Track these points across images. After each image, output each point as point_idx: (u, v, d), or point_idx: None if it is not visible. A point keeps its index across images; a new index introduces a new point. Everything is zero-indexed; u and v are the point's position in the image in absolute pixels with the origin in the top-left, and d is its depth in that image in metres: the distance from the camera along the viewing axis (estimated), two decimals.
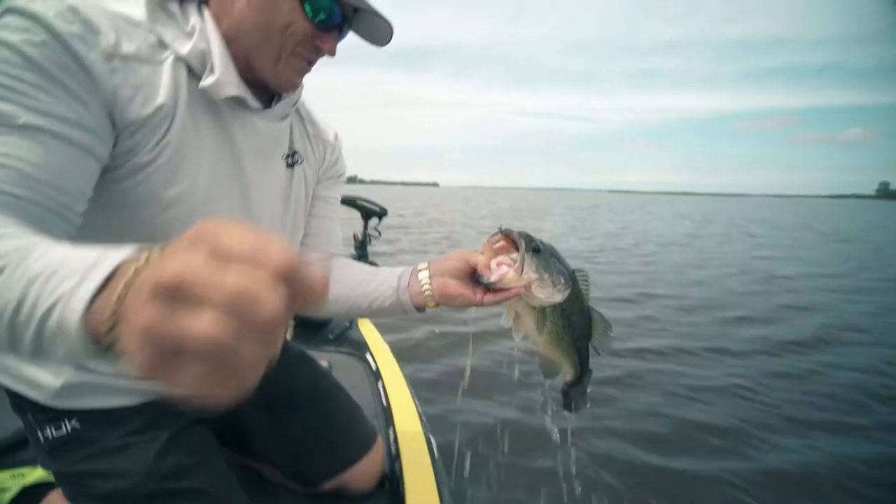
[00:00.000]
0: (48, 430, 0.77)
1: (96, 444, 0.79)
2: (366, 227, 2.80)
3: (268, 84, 0.75)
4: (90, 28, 0.54)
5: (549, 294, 0.75)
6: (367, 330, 2.28)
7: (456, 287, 0.79)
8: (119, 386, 0.79)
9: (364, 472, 1.12)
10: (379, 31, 0.76)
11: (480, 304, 0.77)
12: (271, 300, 0.24)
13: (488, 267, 0.76)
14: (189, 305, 0.23)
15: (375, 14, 0.72)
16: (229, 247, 0.25)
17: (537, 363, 0.89)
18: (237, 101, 0.72)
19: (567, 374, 0.90)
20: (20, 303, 0.35)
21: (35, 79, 0.50)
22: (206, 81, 0.65)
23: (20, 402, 0.78)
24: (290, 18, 0.67)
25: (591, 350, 0.88)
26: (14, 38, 0.49)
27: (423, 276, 0.84)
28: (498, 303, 0.77)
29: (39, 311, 0.34)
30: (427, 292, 0.83)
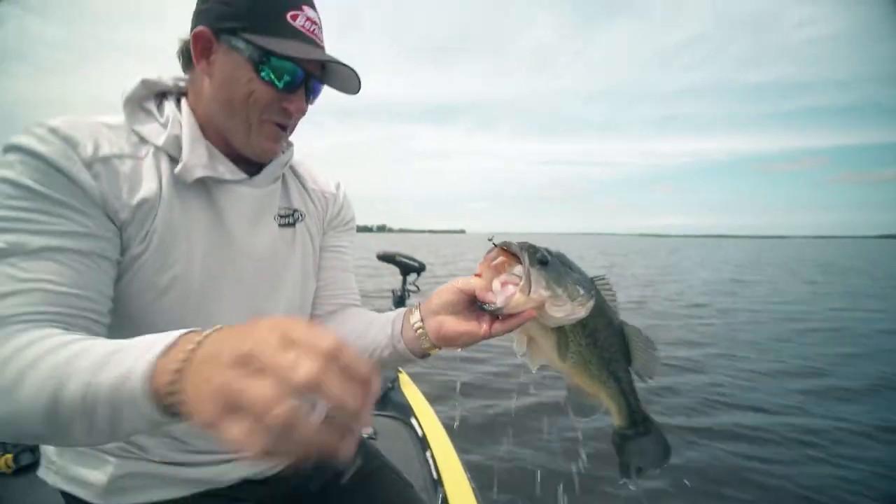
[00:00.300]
0: None
1: None
2: (404, 283, 2.81)
3: (247, 156, 0.77)
4: (69, 142, 0.60)
5: (569, 311, 0.63)
6: (411, 392, 2.22)
7: (454, 325, 0.67)
8: (166, 475, 0.78)
9: None
10: (348, 80, 0.79)
11: (489, 337, 0.66)
12: (332, 383, 0.31)
13: (489, 290, 0.65)
14: (257, 375, 0.31)
15: (339, 64, 0.74)
16: (291, 334, 0.33)
17: (566, 398, 0.75)
18: (220, 175, 0.74)
19: (611, 412, 0.73)
20: (93, 375, 0.42)
21: (36, 205, 0.56)
22: (177, 168, 0.69)
23: (73, 503, 0.77)
24: (250, 88, 0.70)
25: (633, 376, 0.72)
26: (8, 173, 0.55)
27: (415, 318, 0.73)
28: (509, 331, 0.66)
29: (109, 380, 0.41)
30: (422, 337, 0.72)
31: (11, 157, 0.57)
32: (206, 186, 0.74)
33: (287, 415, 0.30)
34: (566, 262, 0.67)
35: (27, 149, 0.57)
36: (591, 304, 0.64)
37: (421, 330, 0.72)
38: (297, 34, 0.71)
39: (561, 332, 0.67)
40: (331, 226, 0.97)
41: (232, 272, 0.78)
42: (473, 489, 1.42)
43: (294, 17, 0.71)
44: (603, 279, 0.71)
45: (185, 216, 0.71)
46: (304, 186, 0.93)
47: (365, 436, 1.75)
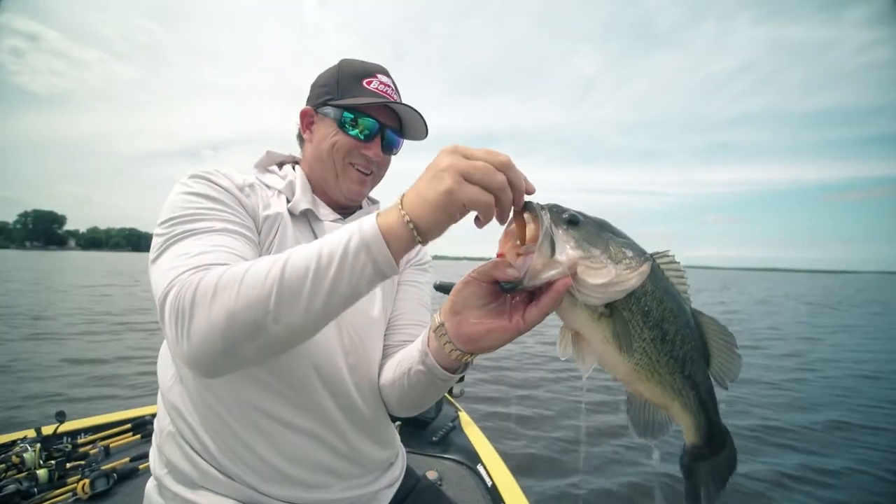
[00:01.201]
0: None
1: None
2: None
3: (339, 201, 0.95)
4: (226, 175, 0.82)
5: (613, 277, 0.49)
6: (473, 433, 2.10)
7: (478, 321, 0.59)
8: None
9: None
10: (417, 127, 0.94)
11: (524, 329, 0.56)
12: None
13: (509, 265, 0.54)
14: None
15: (405, 106, 0.89)
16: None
17: (626, 413, 0.59)
18: (319, 215, 0.92)
19: (684, 429, 0.57)
20: (318, 256, 0.54)
21: (214, 205, 0.75)
22: (290, 203, 0.88)
23: None
24: (334, 140, 0.89)
25: (711, 381, 0.57)
26: (194, 187, 0.76)
27: (437, 323, 0.66)
28: (546, 313, 0.54)
29: (338, 248, 0.54)
30: (446, 344, 0.64)
31: (191, 180, 0.77)
32: (309, 221, 0.91)
33: (508, 170, 0.52)
34: (606, 225, 0.54)
35: (202, 175, 0.78)
36: (644, 268, 0.50)
37: (444, 335, 0.64)
38: (371, 95, 0.88)
39: (616, 321, 0.52)
40: (409, 264, 1.05)
41: None
42: None
43: (369, 83, 0.89)
44: (667, 255, 0.56)
45: (295, 239, 0.86)
46: None
47: (431, 479, 1.65)
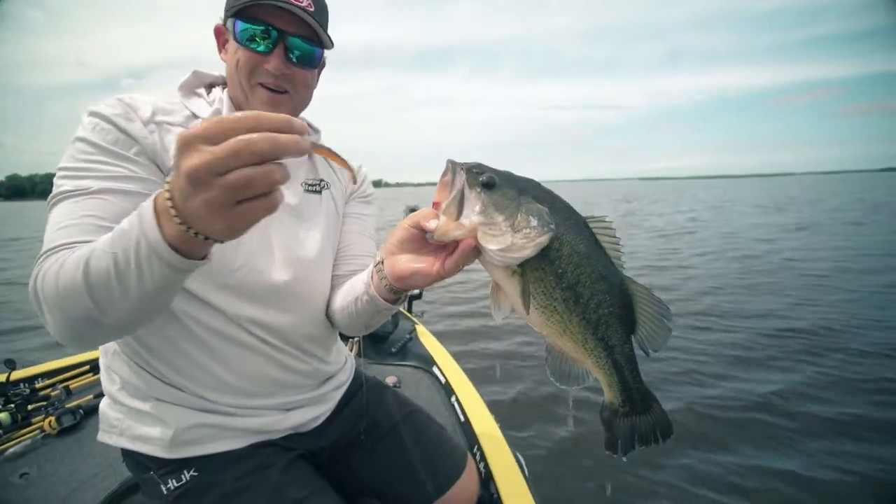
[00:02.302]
0: (170, 482, 0.82)
1: (215, 488, 0.82)
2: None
3: None
4: (131, 107, 0.76)
5: (507, 244, 0.52)
6: (429, 341, 2.27)
7: (406, 263, 0.65)
8: (226, 425, 0.84)
9: (462, 492, 1.09)
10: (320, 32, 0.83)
11: (444, 275, 0.61)
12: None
13: (435, 217, 0.58)
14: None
15: (318, 15, 0.80)
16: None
17: (545, 359, 0.63)
18: None
19: (602, 385, 0.61)
20: (114, 258, 0.52)
21: (100, 157, 0.71)
22: None
23: (140, 460, 0.84)
24: (236, 57, 0.81)
25: (633, 347, 0.60)
26: (86, 132, 0.73)
27: (377, 259, 0.73)
28: (458, 267, 0.59)
29: (131, 252, 0.51)
30: (383, 279, 0.71)
31: (88, 119, 0.73)
32: None
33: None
34: (527, 188, 0.55)
35: (99, 114, 0.73)
36: (542, 239, 0.52)
37: (381, 271, 0.71)
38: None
39: (523, 276, 0.55)
40: (353, 197, 1.06)
41: (265, 222, 0.82)
42: (500, 428, 1.47)
43: None
44: (602, 220, 0.58)
45: None
46: (329, 164, 1.01)
47: (391, 384, 1.81)
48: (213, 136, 0.41)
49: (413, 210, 2.18)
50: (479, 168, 0.56)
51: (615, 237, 0.58)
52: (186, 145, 0.42)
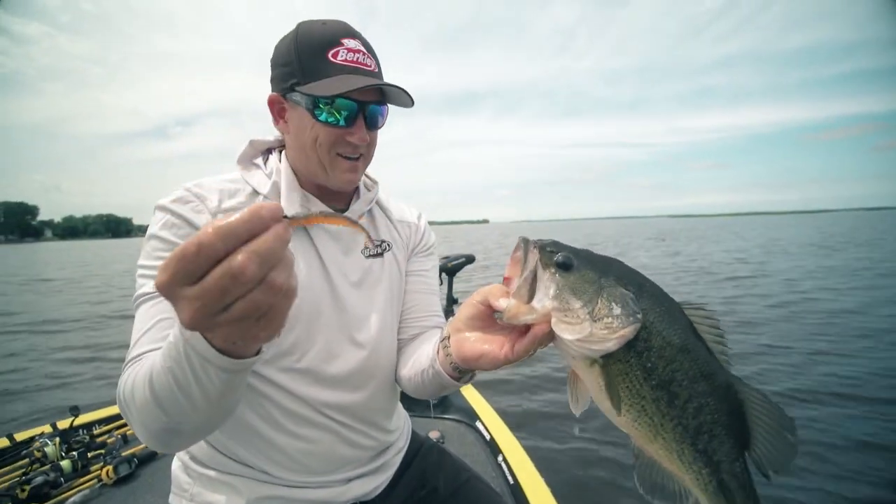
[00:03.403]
0: None
1: None
2: (451, 284, 2.83)
3: (335, 190, 0.87)
4: (199, 198, 0.77)
5: (584, 335, 0.47)
6: (470, 393, 2.23)
7: (474, 344, 0.61)
8: (290, 498, 0.84)
9: None
10: (400, 96, 0.83)
11: (513, 360, 0.57)
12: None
13: (505, 295, 0.54)
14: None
15: (391, 86, 0.80)
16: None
17: (633, 467, 0.53)
18: None
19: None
20: (172, 373, 0.51)
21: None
22: None
23: None
24: (314, 133, 0.79)
25: (748, 465, 0.49)
26: (157, 229, 0.73)
27: (444, 336, 0.70)
28: (530, 352, 0.54)
29: (184, 364, 0.49)
30: (447, 356, 0.68)
31: (158, 215, 0.74)
32: (304, 227, 0.84)
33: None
34: (607, 270, 0.50)
35: (167, 208, 0.74)
36: (627, 331, 0.46)
37: (447, 348, 0.68)
38: (341, 70, 0.77)
39: (608, 372, 0.49)
40: (414, 252, 1.03)
41: (331, 299, 0.86)
42: (552, 493, 1.42)
43: (335, 55, 0.77)
44: (701, 308, 0.50)
45: (291, 252, 0.78)
46: (390, 219, 1.01)
47: (434, 439, 1.77)
48: (188, 275, 0.36)
49: (446, 259, 2.19)
50: (555, 246, 0.51)
51: (719, 327, 0.50)
52: (167, 295, 0.37)
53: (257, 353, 0.50)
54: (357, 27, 0.82)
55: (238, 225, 0.36)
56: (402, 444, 1.07)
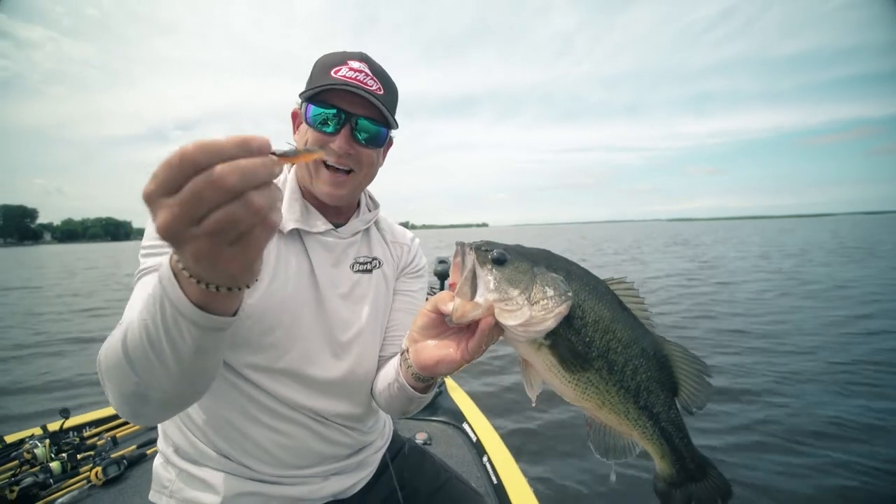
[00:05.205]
0: None
1: None
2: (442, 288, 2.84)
3: (323, 201, 0.89)
4: None
5: (526, 319, 0.50)
6: (459, 397, 2.25)
7: (431, 351, 0.62)
8: (269, 493, 0.86)
9: None
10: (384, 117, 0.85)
11: (468, 359, 0.58)
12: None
13: (452, 299, 0.57)
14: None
15: (385, 99, 0.84)
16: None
17: (587, 434, 0.59)
18: (310, 227, 0.89)
19: (652, 456, 0.58)
20: (146, 326, 0.51)
21: None
22: None
23: None
24: (305, 137, 0.84)
25: (678, 409, 0.56)
26: None
27: (404, 346, 0.71)
28: (481, 349, 0.57)
29: (158, 317, 0.49)
30: (408, 368, 0.69)
31: None
32: (300, 236, 0.89)
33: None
34: (538, 259, 0.54)
35: None
36: (561, 309, 0.50)
37: (407, 360, 0.70)
38: (338, 82, 0.81)
39: (555, 352, 0.53)
40: (404, 272, 1.07)
41: (315, 306, 0.88)
42: (535, 493, 1.43)
43: (337, 71, 0.82)
44: (623, 281, 0.56)
45: (282, 258, 0.86)
46: (384, 238, 1.05)
47: (420, 441, 1.79)
48: (168, 184, 0.36)
49: (443, 262, 2.21)
50: (488, 245, 0.55)
51: (639, 297, 0.56)
52: (149, 204, 0.37)
53: (234, 315, 0.51)
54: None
55: (224, 144, 0.37)
56: (380, 444, 1.09)
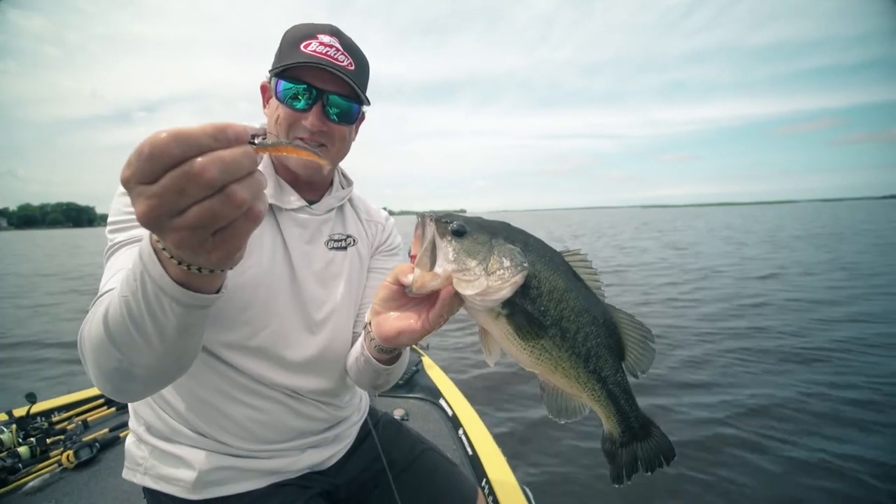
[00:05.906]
0: None
1: None
2: None
3: (302, 177, 0.89)
4: None
5: (483, 288, 0.52)
6: (435, 374, 2.30)
7: (392, 322, 0.63)
8: (245, 467, 0.88)
9: None
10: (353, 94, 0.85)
11: (429, 329, 0.59)
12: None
13: (412, 271, 0.58)
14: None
15: (356, 75, 0.83)
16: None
17: (540, 396, 0.62)
18: (284, 204, 0.88)
19: (602, 420, 0.62)
20: (127, 303, 0.50)
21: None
22: None
23: (162, 499, 0.86)
24: (277, 112, 0.83)
25: (624, 372, 0.60)
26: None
27: (367, 320, 0.72)
28: (442, 318, 0.58)
29: (139, 294, 0.48)
30: (371, 340, 0.71)
31: None
32: (272, 212, 0.88)
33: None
34: (497, 231, 0.56)
35: None
36: (517, 279, 0.53)
37: (370, 333, 0.71)
38: (309, 58, 0.79)
39: (511, 321, 0.55)
40: (378, 250, 1.07)
41: (289, 284, 0.89)
42: (508, 462, 1.50)
43: (307, 46, 0.81)
44: (577, 253, 0.58)
45: (260, 237, 0.85)
46: (359, 217, 1.05)
47: (398, 417, 1.84)
48: (142, 175, 0.35)
49: None
50: (448, 217, 0.56)
51: (592, 268, 0.59)
52: (128, 190, 0.36)
53: (217, 292, 0.50)
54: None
55: (199, 134, 0.35)
56: (356, 419, 1.12)
